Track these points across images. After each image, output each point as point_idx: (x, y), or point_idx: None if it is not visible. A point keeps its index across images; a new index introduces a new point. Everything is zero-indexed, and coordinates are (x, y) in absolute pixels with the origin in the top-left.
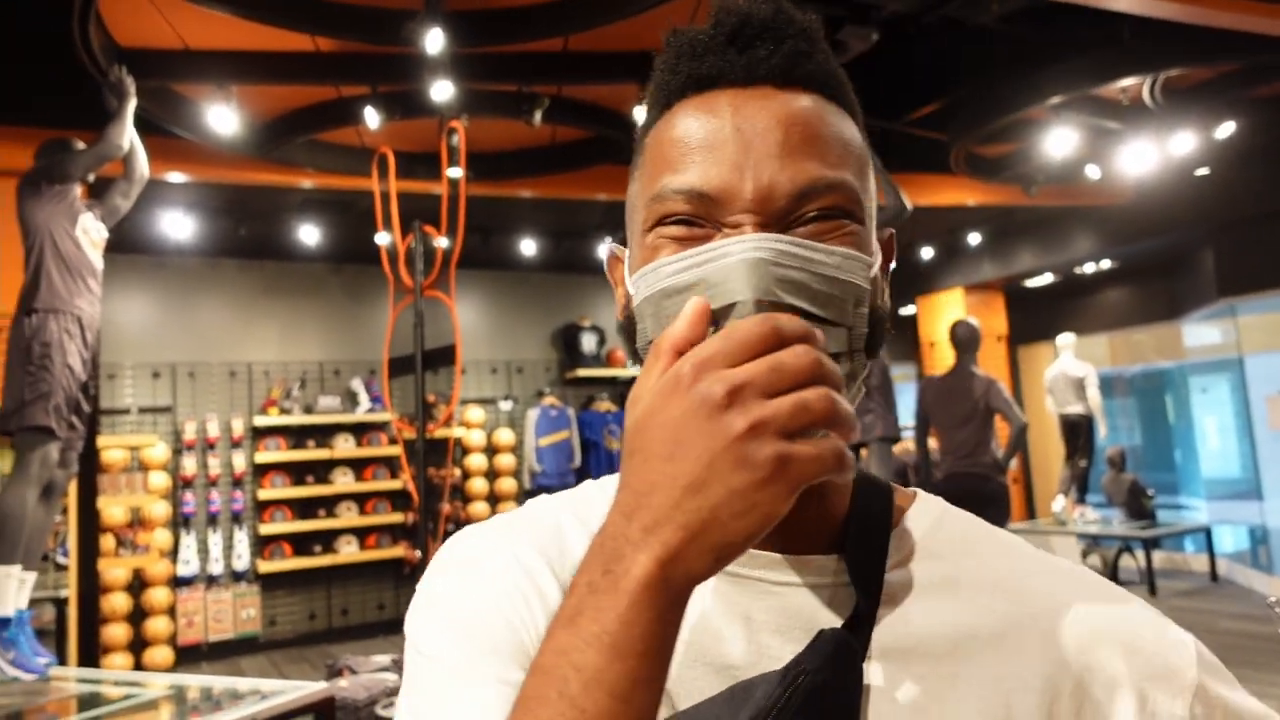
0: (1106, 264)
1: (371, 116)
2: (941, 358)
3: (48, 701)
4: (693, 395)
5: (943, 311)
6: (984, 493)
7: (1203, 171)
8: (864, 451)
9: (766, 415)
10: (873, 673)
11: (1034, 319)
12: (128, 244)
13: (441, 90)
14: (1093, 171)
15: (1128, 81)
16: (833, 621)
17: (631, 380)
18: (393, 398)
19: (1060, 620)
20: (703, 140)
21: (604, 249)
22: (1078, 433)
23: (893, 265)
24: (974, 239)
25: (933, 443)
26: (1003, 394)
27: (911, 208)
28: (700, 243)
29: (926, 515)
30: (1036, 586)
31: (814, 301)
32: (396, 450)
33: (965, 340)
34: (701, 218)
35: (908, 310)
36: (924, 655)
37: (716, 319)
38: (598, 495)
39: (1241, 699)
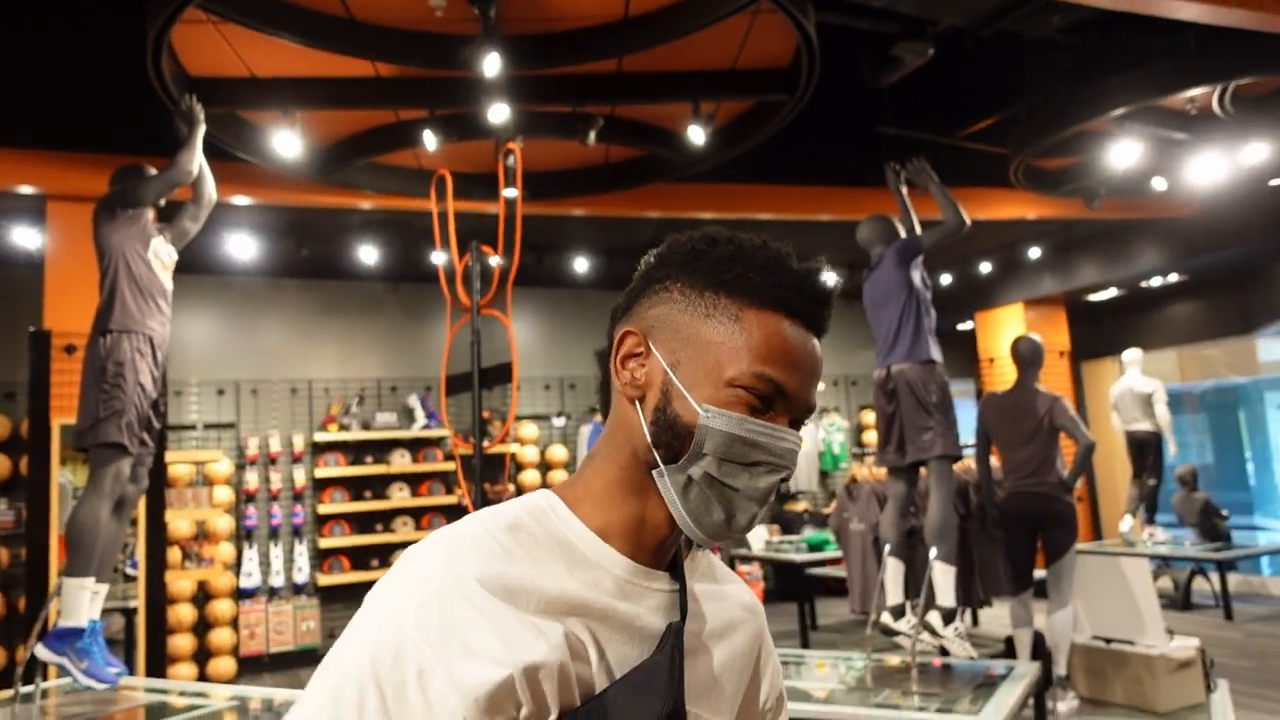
0: (1174, 277)
1: (429, 139)
2: (1001, 374)
3: (117, 711)
4: None
5: (1002, 327)
6: (1050, 513)
7: (1277, 182)
8: (924, 470)
9: None
10: (688, 647)
11: (1098, 334)
12: (194, 264)
13: (498, 113)
14: (1158, 183)
15: (1195, 91)
16: (672, 612)
17: None
18: (449, 414)
19: (748, 603)
20: (791, 355)
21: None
22: (1145, 450)
23: None
24: (1034, 253)
25: (994, 461)
26: (1068, 411)
27: (970, 223)
28: (763, 415)
29: (697, 550)
30: (738, 589)
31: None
32: (452, 466)
33: (1028, 356)
34: (768, 398)
35: (966, 326)
36: (709, 635)
37: (766, 469)
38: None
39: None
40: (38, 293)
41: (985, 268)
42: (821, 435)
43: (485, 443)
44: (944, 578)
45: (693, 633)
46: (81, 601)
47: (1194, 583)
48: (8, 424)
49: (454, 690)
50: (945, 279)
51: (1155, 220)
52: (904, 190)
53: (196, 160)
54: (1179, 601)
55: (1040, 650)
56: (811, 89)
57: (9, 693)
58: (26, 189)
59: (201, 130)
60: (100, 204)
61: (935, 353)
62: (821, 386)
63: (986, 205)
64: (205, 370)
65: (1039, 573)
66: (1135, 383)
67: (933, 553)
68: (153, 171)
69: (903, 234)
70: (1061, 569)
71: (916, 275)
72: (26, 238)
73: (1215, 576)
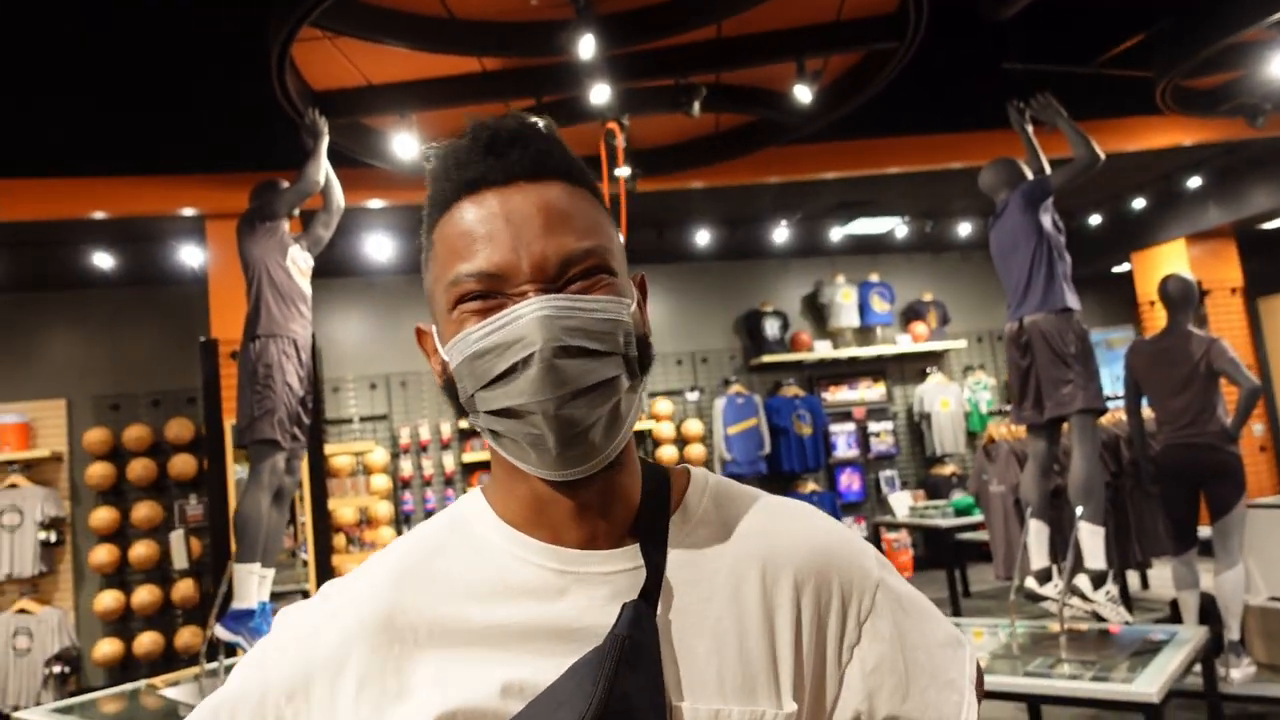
0: None
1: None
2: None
3: None
4: None
5: (1163, 266)
6: (1212, 465)
7: None
8: (1065, 425)
9: None
10: (671, 624)
11: (1276, 266)
12: (339, 268)
13: (599, 93)
14: None
15: None
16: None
17: (819, 363)
18: None
19: (798, 542)
20: (481, 232)
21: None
22: None
23: (646, 299)
24: (1194, 182)
25: (1148, 412)
26: (1226, 353)
27: (1104, 157)
28: (495, 312)
29: (701, 492)
30: (781, 526)
31: (591, 339)
32: None
33: (1178, 297)
34: (492, 291)
35: (1122, 268)
36: (705, 603)
37: (519, 367)
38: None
39: (901, 583)
40: (204, 305)
41: (1139, 203)
42: (967, 395)
43: None
44: (1091, 539)
45: (684, 609)
46: (251, 585)
47: None
48: (191, 426)
49: None
50: (1095, 219)
51: None
52: (1029, 129)
53: (322, 170)
54: None
55: (1209, 614)
56: (921, 32)
57: (197, 669)
58: (189, 211)
59: (325, 142)
60: (241, 220)
61: (1072, 300)
62: (963, 344)
63: (1133, 135)
64: (358, 366)
65: (1204, 530)
66: None
67: (1078, 512)
68: (285, 185)
69: (1029, 176)
70: (1229, 525)
71: (1047, 219)
72: (191, 255)
73: None
